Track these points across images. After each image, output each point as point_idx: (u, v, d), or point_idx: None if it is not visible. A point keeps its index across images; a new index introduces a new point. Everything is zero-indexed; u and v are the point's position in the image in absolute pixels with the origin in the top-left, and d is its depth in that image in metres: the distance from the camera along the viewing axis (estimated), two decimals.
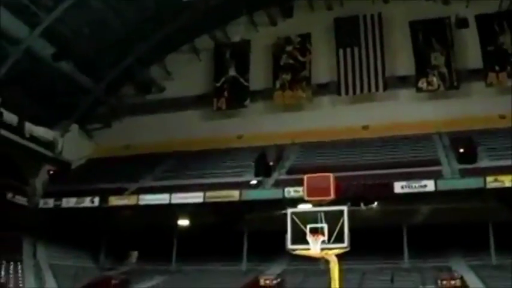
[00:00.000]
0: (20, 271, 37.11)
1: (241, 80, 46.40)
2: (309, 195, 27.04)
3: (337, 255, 24.98)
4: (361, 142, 41.00)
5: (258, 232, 36.32)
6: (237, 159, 42.98)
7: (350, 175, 33.47)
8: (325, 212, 24.80)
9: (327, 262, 26.33)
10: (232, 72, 46.79)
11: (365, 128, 42.14)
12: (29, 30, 37.11)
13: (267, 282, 33.41)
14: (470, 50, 41.41)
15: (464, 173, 33.63)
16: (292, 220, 25.23)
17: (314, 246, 24.29)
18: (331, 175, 27.16)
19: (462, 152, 36.38)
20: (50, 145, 43.29)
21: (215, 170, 41.63)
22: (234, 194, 35.76)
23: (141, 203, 37.89)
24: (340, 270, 25.19)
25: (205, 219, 37.52)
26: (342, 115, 42.54)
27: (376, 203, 32.48)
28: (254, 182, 37.96)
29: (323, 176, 27.60)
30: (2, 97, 37.61)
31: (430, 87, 41.78)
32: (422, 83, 41.84)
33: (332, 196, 26.41)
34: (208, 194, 36.16)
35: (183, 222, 38.88)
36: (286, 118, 44.24)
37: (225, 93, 46.48)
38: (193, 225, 38.31)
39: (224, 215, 37.37)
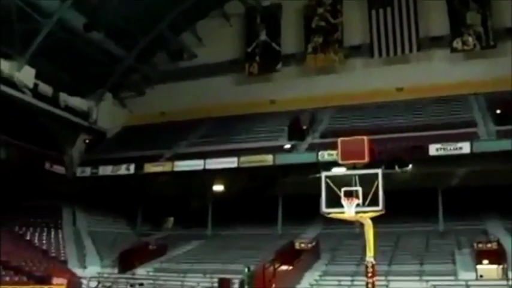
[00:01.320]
0: (60, 238, 38.07)
1: (273, 44, 46.12)
2: (343, 158, 27.00)
3: (372, 219, 25.02)
4: (395, 104, 40.56)
5: (292, 196, 36.46)
6: (270, 123, 42.99)
7: (384, 138, 33.20)
8: (360, 175, 24.79)
9: (361, 225, 26.51)
10: (263, 36, 46.52)
11: (399, 90, 41.55)
12: (59, 1, 37.30)
13: (302, 245, 33.65)
14: (507, 8, 40.22)
15: (500, 135, 33.01)
16: (327, 184, 25.29)
17: (348, 210, 24.36)
18: (365, 138, 27.04)
19: (499, 113, 35.62)
20: (85, 114, 43.89)
21: (249, 135, 41.76)
22: (268, 159, 35.86)
23: (176, 169, 38.32)
24: (375, 234, 25.26)
25: (240, 184, 37.75)
26: (375, 77, 42.00)
27: (410, 166, 32.17)
28: (288, 146, 37.96)
29: (357, 139, 27.50)
30: (37, 69, 38.10)
31: (465, 47, 40.85)
32: (457, 43, 40.92)
33: (366, 159, 26.33)
34: (242, 159, 36.34)
35: (218, 187, 39.20)
36: (318, 81, 43.90)
37: (257, 58, 46.29)
38: (228, 190, 38.62)
39: (258, 179, 37.55)
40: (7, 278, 27.32)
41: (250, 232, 38.30)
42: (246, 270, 30.15)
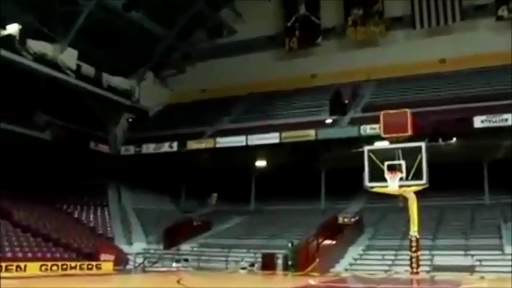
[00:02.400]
0: (106, 216, 38.83)
1: (313, 18, 45.62)
2: (385, 132, 26.79)
3: (416, 192, 24.87)
4: (438, 76, 39.84)
5: (335, 170, 36.33)
6: (312, 98, 42.73)
7: (427, 110, 32.75)
8: (403, 149, 24.63)
9: (405, 199, 26.33)
10: (302, 10, 46.04)
11: (442, 61, 40.78)
12: None
13: (346, 220, 33.56)
14: None
15: None
16: (369, 158, 25.20)
17: (392, 184, 24.27)
18: (408, 111, 26.75)
19: None
20: (127, 94, 44.33)
21: (290, 110, 41.66)
22: (310, 134, 35.74)
23: (218, 145, 38.53)
24: (419, 208, 25.10)
25: (282, 159, 37.73)
26: (417, 49, 41.20)
27: (455, 139, 31.70)
28: (329, 120, 37.74)
29: (400, 112, 27.22)
30: (79, 51, 38.59)
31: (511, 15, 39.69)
32: (503, 11, 39.70)
33: (409, 132, 26.07)
34: (284, 134, 36.31)
35: (260, 163, 39.31)
36: (359, 55, 43.37)
37: (297, 33, 45.89)
38: (271, 165, 38.68)
39: (301, 154, 37.45)
40: (57, 255, 28.05)
41: (293, 207, 38.40)
42: (290, 245, 30.30)
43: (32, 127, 36.66)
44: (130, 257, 32.77)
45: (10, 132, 34.30)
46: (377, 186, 25.12)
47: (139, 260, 32.77)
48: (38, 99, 37.77)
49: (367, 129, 33.06)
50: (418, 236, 25.02)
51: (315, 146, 35.77)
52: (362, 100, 40.39)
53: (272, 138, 36.70)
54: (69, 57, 38.20)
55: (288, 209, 38.21)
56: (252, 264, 30.47)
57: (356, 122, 35.88)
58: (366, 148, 25.79)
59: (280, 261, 30.06)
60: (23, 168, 35.92)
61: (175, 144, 39.75)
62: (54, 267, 25.97)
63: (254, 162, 39.30)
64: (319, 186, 37.58)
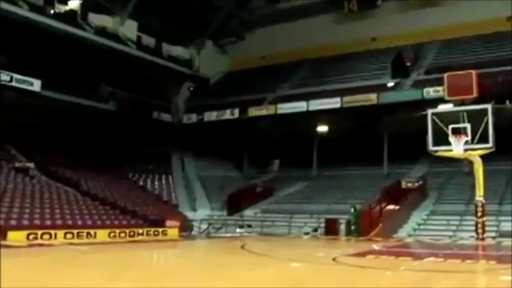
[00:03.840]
0: (171, 183, 39.59)
1: None
2: (449, 94, 26.25)
3: (482, 156, 24.29)
4: (505, 35, 38.26)
5: (397, 135, 35.77)
6: (373, 61, 42.09)
7: (494, 71, 31.65)
8: (468, 111, 24.03)
9: (470, 163, 25.77)
10: None
11: (509, 19, 39.10)
12: None
13: (409, 184, 33.18)
14: None
15: None
16: (433, 121, 24.72)
17: (457, 147, 23.76)
18: (474, 72, 26.06)
19: None
20: (187, 63, 44.74)
21: (351, 74, 41.18)
22: (372, 98, 35.36)
23: (280, 111, 38.64)
24: (485, 172, 24.51)
25: (344, 124, 37.48)
26: (482, 8, 39.56)
27: None
28: (391, 84, 37.15)
29: (465, 74, 26.56)
30: (139, 22, 39.02)
31: None
32: None
33: (475, 94, 25.46)
34: (346, 98, 36.05)
35: (322, 128, 39.13)
36: (421, 15, 42.14)
37: None
38: (332, 130, 38.47)
39: (362, 119, 37.10)
40: (124, 222, 28.83)
41: (355, 172, 38.17)
42: (352, 210, 30.22)
43: (97, 99, 37.64)
44: (195, 223, 33.37)
45: (77, 105, 35.36)
46: (441, 150, 24.71)
47: (204, 226, 33.35)
48: (101, 72, 38.62)
49: (431, 92, 32.41)
50: (483, 201, 24.55)
51: (377, 110, 35.38)
52: (425, 62, 39.48)
53: (333, 103, 36.53)
54: (129, 29, 38.84)
55: (350, 174, 38.02)
56: (315, 230, 30.59)
57: (419, 84, 35.24)
58: (430, 111, 25.33)
59: (343, 227, 30.06)
60: (90, 139, 37.00)
61: (236, 112, 40.07)
62: (122, 234, 26.73)
63: (315, 128, 39.16)
64: (381, 151, 37.14)
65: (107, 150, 37.78)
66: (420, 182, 33.57)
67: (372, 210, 29.98)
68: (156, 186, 39.11)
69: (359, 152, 37.88)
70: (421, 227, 29.05)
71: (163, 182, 39.89)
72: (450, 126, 23.90)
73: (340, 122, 37.37)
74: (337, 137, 38.02)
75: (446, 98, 26.21)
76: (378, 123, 37.16)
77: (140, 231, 27.78)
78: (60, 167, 34.36)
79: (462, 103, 26.11)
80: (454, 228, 27.67)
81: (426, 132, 24.63)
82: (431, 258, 17.03)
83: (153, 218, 30.35)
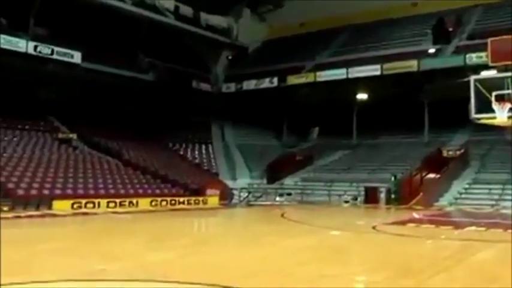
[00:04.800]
0: (211, 152, 39.90)
1: None
2: (493, 60, 25.56)
3: None
4: None
5: (439, 102, 35.22)
6: (413, 27, 41.31)
7: None
8: None
9: None
10: None
11: None
12: None
13: (450, 153, 32.74)
14: None
15: None
16: (476, 88, 24.20)
17: (500, 115, 23.25)
18: None
19: None
20: (225, 32, 44.63)
21: (391, 40, 40.55)
22: (412, 64, 34.85)
23: (319, 79, 38.43)
24: None
25: (384, 91, 37.01)
26: None
27: None
28: (432, 50, 36.46)
29: (509, 38, 25.80)
30: None
31: None
32: None
33: None
34: (386, 65, 35.61)
35: (362, 96, 38.77)
36: None
37: None
38: (372, 98, 38.06)
39: (403, 86, 36.55)
40: (165, 191, 29.25)
41: (395, 140, 37.81)
42: (393, 178, 30.05)
43: (136, 70, 37.97)
44: (235, 192, 33.62)
45: (117, 76, 35.76)
46: (484, 118, 24.18)
47: (244, 194, 33.59)
48: (140, 43, 38.85)
49: (473, 58, 31.77)
50: None
51: (418, 77, 34.87)
52: (467, 27, 38.57)
53: (373, 70, 36.18)
54: None
55: (391, 142, 37.68)
56: (355, 198, 30.58)
57: (461, 50, 34.52)
58: (472, 78, 24.74)
59: (383, 195, 29.95)
60: (130, 110, 37.45)
61: (275, 80, 40.00)
62: (163, 203, 27.15)
63: (355, 95, 38.81)
64: (422, 119, 36.67)
65: (147, 120, 38.25)
66: (462, 151, 33.10)
67: (412, 179, 29.75)
68: (197, 155, 39.49)
69: (399, 120, 37.42)
70: (463, 196, 28.75)
71: (204, 151, 40.25)
72: (493, 93, 23.30)
73: (380, 90, 36.91)
74: (377, 105, 37.62)
75: (490, 64, 25.48)
76: (419, 90, 36.57)
77: (181, 199, 28.17)
78: (102, 138, 34.94)
79: (506, 69, 25.48)
80: (496, 197, 27.31)
81: (468, 100, 24.12)
82: (473, 228, 16.90)
83: (193, 187, 30.70)
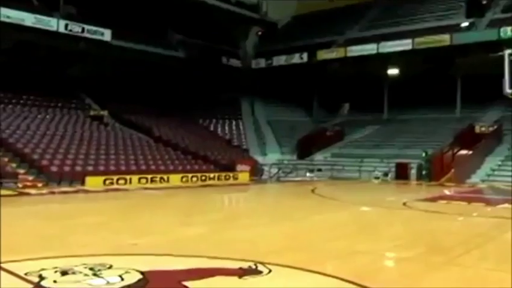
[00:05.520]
0: (241, 128, 39.99)
1: None
2: None
3: None
4: None
5: (471, 77, 34.64)
6: (446, 1, 40.54)
7: None
8: None
9: None
10: None
11: None
12: None
13: (483, 129, 32.24)
14: None
15: None
16: (510, 62, 23.76)
17: None
18: None
19: None
20: (255, 7, 44.34)
21: (423, 14, 39.91)
22: (445, 39, 34.29)
23: (349, 54, 38.13)
24: None
25: (416, 66, 36.55)
26: None
27: None
28: (466, 24, 35.80)
29: None
30: None
31: None
32: None
33: None
34: (417, 40, 35.13)
35: (393, 71, 38.37)
36: None
37: None
38: (403, 73, 37.62)
39: (435, 61, 36.02)
40: (196, 167, 29.46)
41: (427, 116, 37.32)
42: (424, 154, 29.81)
43: (166, 46, 38.07)
44: (265, 168, 33.68)
45: (147, 53, 35.88)
46: None
47: (274, 170, 33.65)
48: (169, 20, 38.86)
49: (508, 32, 31.19)
50: None
51: (450, 51, 34.32)
52: (501, 0, 37.68)
53: (404, 45, 35.76)
54: None
55: (422, 118, 37.23)
56: (386, 174, 30.41)
57: (495, 24, 33.80)
58: (507, 52, 24.23)
59: (413, 171, 29.77)
60: (161, 87, 37.64)
61: (305, 56, 39.83)
62: (194, 179, 27.33)
63: (386, 70, 38.44)
64: (454, 94, 36.18)
65: (177, 97, 38.41)
66: (495, 127, 32.61)
67: (444, 155, 29.46)
68: (227, 131, 39.65)
69: (431, 95, 36.94)
70: (495, 172, 28.36)
71: (234, 127, 40.38)
72: None
73: (411, 64, 36.46)
74: (408, 80, 37.18)
75: None
76: (451, 65, 36.04)
77: (211, 175, 28.32)
78: (133, 115, 35.22)
79: None
80: None
81: (502, 75, 23.69)
82: (505, 205, 16.67)
83: (224, 163, 30.85)
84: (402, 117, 38.38)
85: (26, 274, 6.63)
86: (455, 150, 29.57)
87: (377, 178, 30.08)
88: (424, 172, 29.33)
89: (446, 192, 22.47)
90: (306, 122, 42.42)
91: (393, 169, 30.38)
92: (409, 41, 35.43)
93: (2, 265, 7.21)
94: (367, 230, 11.85)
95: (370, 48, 37.14)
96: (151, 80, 37.12)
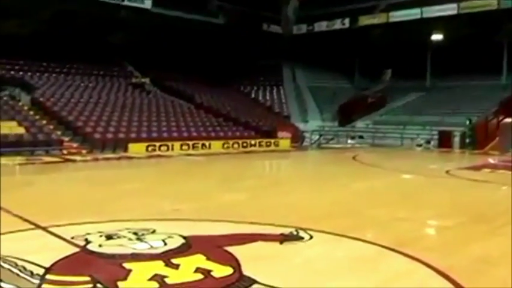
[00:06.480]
0: (282, 95, 39.88)
1: None
2: None
3: None
4: None
5: None
6: None
7: None
8: None
9: None
10: None
11: None
12: None
13: None
14: None
15: None
16: None
17: None
18: None
19: None
20: None
21: None
22: (492, 3, 33.35)
23: (392, 20, 37.54)
24: None
25: (460, 31, 35.68)
26: None
27: None
28: None
29: None
30: None
31: None
32: None
33: None
34: (463, 4, 34.31)
35: (437, 36, 37.56)
36: None
37: None
38: (447, 38, 36.76)
39: (481, 26, 35.12)
40: (237, 133, 29.58)
41: (471, 82, 36.50)
42: (468, 122, 29.30)
43: (206, 13, 37.93)
44: (306, 134, 33.62)
45: (187, 20, 35.86)
46: None
47: (315, 137, 33.55)
48: None
49: None
50: None
51: (497, 16, 33.38)
52: None
53: (449, 9, 34.96)
54: None
55: (466, 85, 36.44)
56: (428, 142, 30.04)
57: None
58: None
59: (457, 139, 29.27)
60: (201, 54, 37.65)
61: (347, 21, 39.42)
62: (235, 145, 27.50)
63: (430, 36, 37.62)
64: (500, 60, 35.27)
65: (218, 64, 38.42)
66: None
67: (488, 123, 28.92)
68: (268, 98, 39.58)
69: (476, 61, 36.01)
70: None
71: (275, 93, 40.26)
72: None
73: (456, 30, 35.57)
74: (452, 46, 36.31)
75: None
76: (498, 30, 35.08)
77: (253, 142, 28.44)
78: (174, 82, 35.44)
79: None
80: None
81: None
82: None
83: (265, 129, 30.88)
84: (445, 84, 37.65)
85: (72, 238, 6.84)
86: (500, 118, 28.96)
87: (419, 146, 29.76)
88: (467, 140, 28.86)
89: (490, 160, 22.12)
90: (347, 89, 42.01)
91: (436, 137, 29.96)
92: (454, 5, 34.60)
93: (50, 229, 7.45)
94: (408, 197, 11.81)
95: (413, 13, 36.45)
96: (191, 47, 37.17)
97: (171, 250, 6.38)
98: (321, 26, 40.68)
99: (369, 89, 41.22)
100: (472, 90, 35.19)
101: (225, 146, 27.05)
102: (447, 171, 16.78)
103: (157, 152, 23.87)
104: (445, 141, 29.21)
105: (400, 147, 29.69)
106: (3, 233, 7.09)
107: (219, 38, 37.84)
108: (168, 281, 5.28)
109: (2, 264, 5.65)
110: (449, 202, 11.09)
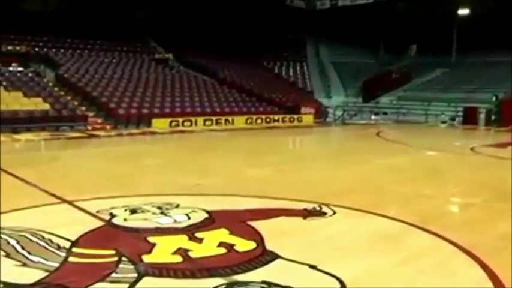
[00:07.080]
0: (305, 70, 39.68)
1: None
2: None
3: None
4: None
5: None
6: None
7: None
8: None
9: None
10: None
11: None
12: None
13: None
14: None
15: None
16: None
17: None
18: None
19: None
20: None
21: None
22: None
23: None
24: None
25: (488, 5, 35.06)
26: None
27: None
28: None
29: None
30: None
31: None
32: None
33: None
34: None
35: (463, 11, 36.99)
36: None
37: None
38: (474, 13, 36.20)
39: (508, 0, 34.47)
40: (260, 109, 29.54)
41: (498, 59, 35.90)
42: (494, 98, 28.90)
43: None
44: (330, 110, 33.42)
45: None
46: None
47: (339, 112, 33.35)
48: None
49: None
50: None
51: None
52: None
53: None
54: None
55: (493, 61, 35.87)
56: (453, 118, 29.73)
57: None
58: None
59: (482, 116, 28.88)
60: (224, 30, 37.51)
61: None
62: (259, 120, 27.50)
63: (456, 10, 37.08)
64: None
65: (241, 39, 38.25)
66: None
67: None
68: (291, 74, 39.39)
69: (503, 36, 35.42)
70: None
71: (298, 69, 40.05)
72: None
73: (483, 4, 35.00)
74: (479, 21, 35.72)
75: None
76: None
77: (276, 117, 28.40)
78: (197, 57, 35.37)
79: None
80: None
81: None
82: None
83: (288, 105, 30.78)
84: (471, 60, 37.15)
85: (97, 212, 6.93)
86: None
87: (444, 122, 29.47)
88: (493, 117, 28.46)
89: None
90: (371, 64, 41.62)
91: (461, 113, 29.61)
92: None
93: (75, 203, 7.56)
94: (432, 174, 11.73)
95: None
96: (215, 22, 37.05)
97: (194, 224, 6.45)
98: (345, 0, 40.21)
99: (393, 65, 40.78)
100: (499, 66, 34.61)
101: (248, 121, 27.06)
102: (472, 148, 16.62)
103: (181, 128, 23.97)
104: (470, 118, 28.84)
105: (424, 124, 29.43)
106: (31, 207, 7.22)
107: (242, 13, 37.66)
108: (192, 254, 5.34)
109: (30, 237, 5.76)
110: (474, 179, 11.02)
